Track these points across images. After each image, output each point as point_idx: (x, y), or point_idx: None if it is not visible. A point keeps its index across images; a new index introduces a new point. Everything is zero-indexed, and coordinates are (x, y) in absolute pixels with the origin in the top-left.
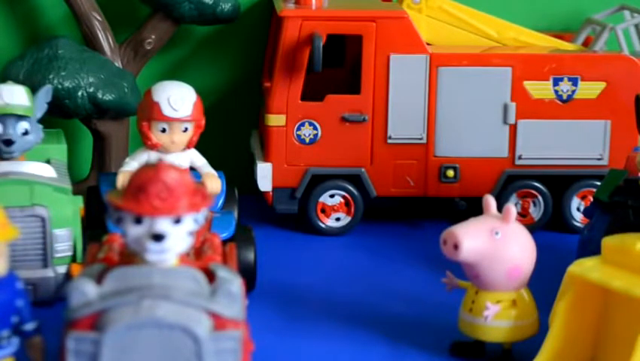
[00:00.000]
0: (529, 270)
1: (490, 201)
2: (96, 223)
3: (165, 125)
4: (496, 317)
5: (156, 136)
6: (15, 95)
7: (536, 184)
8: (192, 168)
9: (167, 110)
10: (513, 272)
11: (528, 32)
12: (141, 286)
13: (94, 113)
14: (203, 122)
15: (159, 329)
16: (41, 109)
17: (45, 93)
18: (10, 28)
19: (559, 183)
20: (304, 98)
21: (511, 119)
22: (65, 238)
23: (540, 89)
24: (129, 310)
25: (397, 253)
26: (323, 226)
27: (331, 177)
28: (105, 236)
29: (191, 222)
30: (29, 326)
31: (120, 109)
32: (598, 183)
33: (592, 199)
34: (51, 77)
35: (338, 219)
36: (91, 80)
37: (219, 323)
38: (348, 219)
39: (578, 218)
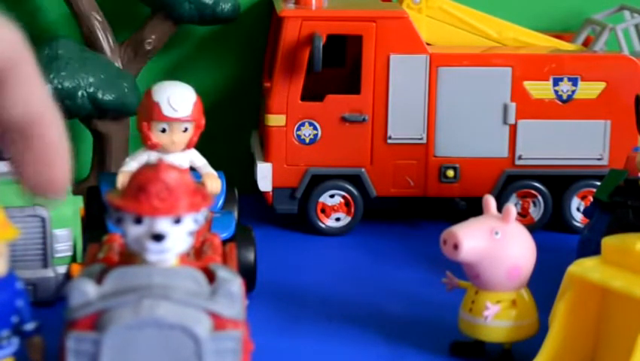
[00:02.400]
0: (529, 270)
1: (490, 201)
2: (96, 223)
3: (165, 126)
4: (496, 317)
5: (156, 136)
6: None
7: (536, 184)
8: (192, 168)
9: (167, 111)
10: (513, 272)
11: (528, 32)
12: (141, 286)
13: (94, 113)
14: (203, 122)
15: (159, 328)
16: None
17: None
18: None
19: (559, 183)
20: (304, 98)
21: (511, 119)
22: (65, 238)
23: (540, 89)
24: (130, 310)
25: (397, 253)
26: (323, 226)
27: (331, 177)
28: (104, 236)
29: (191, 222)
30: (29, 326)
31: (120, 109)
32: (598, 183)
33: (592, 199)
34: (51, 77)
35: (338, 219)
36: (91, 80)
37: (219, 323)
38: (348, 219)
39: (578, 218)
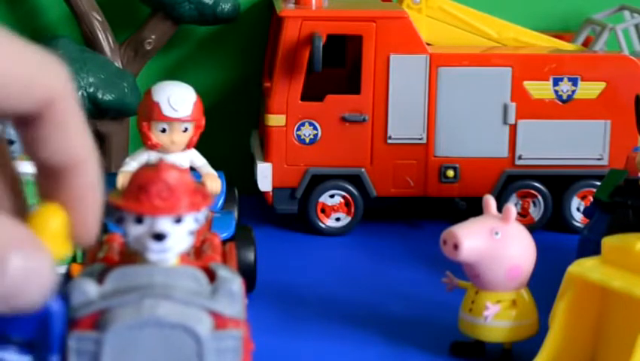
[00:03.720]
0: (529, 270)
1: (490, 201)
2: None
3: (165, 126)
4: (496, 317)
5: (156, 136)
6: None
7: (536, 184)
8: (192, 169)
9: (167, 111)
10: (512, 272)
11: (528, 32)
12: (142, 285)
13: (94, 113)
14: (203, 122)
15: (160, 328)
16: None
17: None
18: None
19: (559, 183)
20: (304, 98)
21: (511, 120)
22: None
23: (540, 89)
24: (131, 309)
25: (397, 253)
26: (323, 226)
27: (331, 177)
28: (104, 236)
29: (192, 221)
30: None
31: (120, 109)
32: (598, 183)
33: (592, 199)
34: None
35: (338, 219)
36: (91, 80)
37: (220, 322)
38: (348, 219)
39: (578, 218)
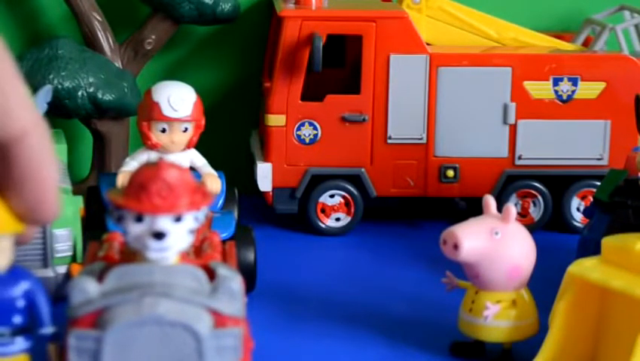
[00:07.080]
0: (529, 270)
1: (490, 201)
2: (95, 223)
3: (165, 125)
4: (496, 317)
5: (156, 136)
6: None
7: (536, 184)
8: (192, 168)
9: (167, 110)
10: (512, 272)
11: (528, 32)
12: (142, 283)
13: (94, 113)
14: (203, 122)
15: (160, 326)
16: (40, 109)
17: (45, 93)
18: (10, 29)
19: (559, 183)
20: (304, 98)
21: (511, 119)
22: (65, 238)
23: (540, 89)
24: (131, 307)
25: (397, 253)
26: (323, 226)
27: (331, 177)
28: (104, 235)
29: (192, 220)
30: (44, 330)
31: (120, 109)
32: (598, 183)
33: (592, 199)
34: (51, 77)
35: (338, 219)
36: (91, 80)
37: (219, 320)
38: (349, 219)
39: (578, 218)
